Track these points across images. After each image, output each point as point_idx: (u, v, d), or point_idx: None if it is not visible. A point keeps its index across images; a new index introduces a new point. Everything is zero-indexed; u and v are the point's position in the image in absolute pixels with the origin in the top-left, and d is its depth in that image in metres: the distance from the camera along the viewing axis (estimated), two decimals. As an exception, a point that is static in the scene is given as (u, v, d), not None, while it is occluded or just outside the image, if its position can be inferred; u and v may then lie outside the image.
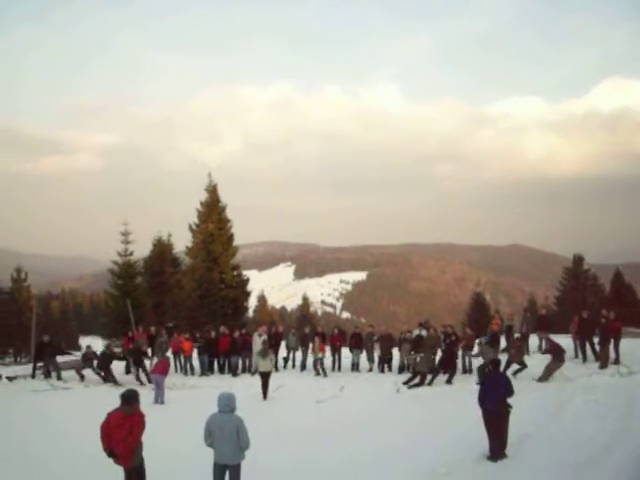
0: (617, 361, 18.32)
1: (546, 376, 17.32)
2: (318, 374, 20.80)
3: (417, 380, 18.06)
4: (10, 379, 20.98)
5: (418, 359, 18.63)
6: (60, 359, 21.86)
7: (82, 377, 20.88)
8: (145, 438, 8.26)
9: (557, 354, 17.52)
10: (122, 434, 7.91)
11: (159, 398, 17.29)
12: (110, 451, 7.99)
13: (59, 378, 20.89)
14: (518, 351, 18.32)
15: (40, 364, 21.61)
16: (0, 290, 53.23)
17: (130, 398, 8.20)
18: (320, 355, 20.97)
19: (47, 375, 21.26)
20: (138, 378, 20.44)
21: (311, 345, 21.49)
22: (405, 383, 18.19)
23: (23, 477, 10.09)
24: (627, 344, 19.79)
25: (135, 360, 21.15)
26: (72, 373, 21.29)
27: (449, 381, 18.07)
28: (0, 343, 49.24)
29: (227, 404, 8.27)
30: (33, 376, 21.24)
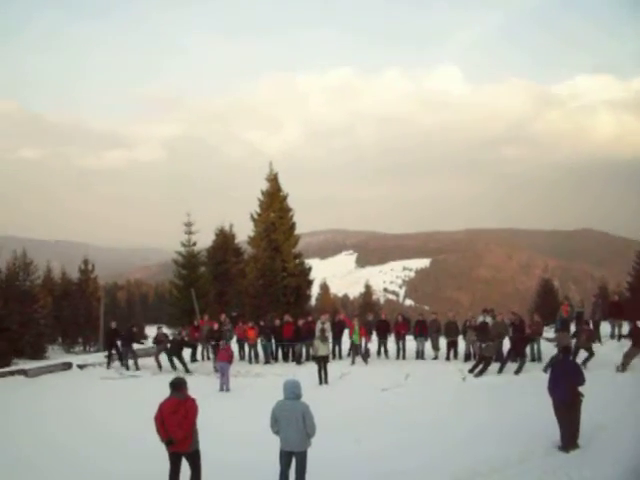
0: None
1: (625, 364, 16.60)
2: (353, 363, 20.63)
3: (481, 366, 17.68)
4: (80, 367, 21.61)
5: (484, 345, 18.21)
6: (135, 346, 22.17)
7: (160, 366, 20.85)
8: (211, 424, 8.34)
9: (638, 339, 16.76)
10: (177, 419, 8.01)
11: (224, 385, 17.51)
12: (168, 439, 8.04)
13: (137, 366, 21.09)
14: (588, 338, 17.62)
15: (113, 352, 21.91)
16: (69, 281, 55.10)
17: (179, 385, 8.32)
18: (357, 341, 20.90)
19: (122, 363, 21.53)
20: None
21: (348, 330, 21.41)
22: (471, 371, 17.83)
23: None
24: None
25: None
26: (150, 361, 21.54)
27: (518, 371, 17.53)
28: (70, 333, 51.01)
29: (293, 391, 8.31)
30: (108, 365, 21.65)
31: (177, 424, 7.99)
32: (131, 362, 21.41)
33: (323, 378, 17.73)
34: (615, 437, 10.79)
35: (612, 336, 20.12)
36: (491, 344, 17.97)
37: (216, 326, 22.41)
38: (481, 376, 17.48)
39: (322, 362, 17.86)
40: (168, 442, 8.09)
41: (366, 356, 21.09)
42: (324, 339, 18.31)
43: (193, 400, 8.34)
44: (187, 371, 20.01)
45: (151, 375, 20.31)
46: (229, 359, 18.11)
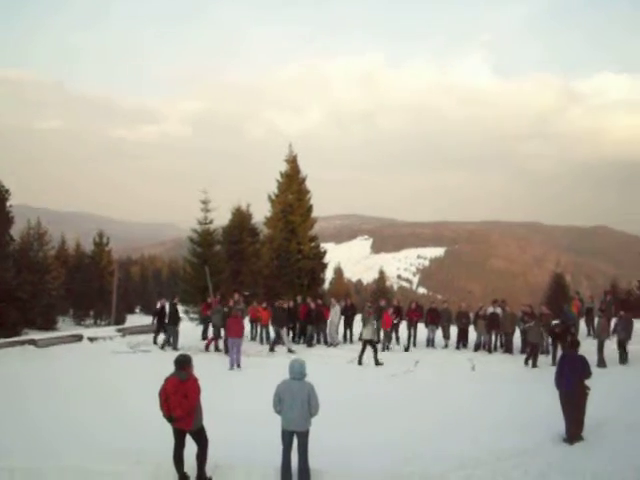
0: None
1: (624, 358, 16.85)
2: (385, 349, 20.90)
3: (532, 356, 17.79)
4: (91, 340, 21.89)
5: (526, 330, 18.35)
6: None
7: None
8: (218, 402, 8.47)
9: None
10: (178, 399, 8.13)
11: (235, 362, 17.68)
12: (170, 416, 8.22)
13: (175, 348, 20.48)
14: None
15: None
16: (83, 254, 55.24)
17: (183, 363, 8.37)
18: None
19: (169, 342, 21.19)
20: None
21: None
22: (526, 362, 17.79)
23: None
24: None
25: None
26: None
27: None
28: (82, 305, 51.32)
29: (300, 371, 8.44)
30: (155, 340, 21.80)
31: (178, 403, 8.13)
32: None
33: (363, 359, 18.30)
34: (619, 431, 10.99)
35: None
36: (533, 327, 18.09)
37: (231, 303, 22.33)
38: (536, 366, 17.50)
39: (365, 344, 18.31)
40: (169, 419, 8.27)
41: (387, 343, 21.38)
42: (367, 323, 18.61)
43: (195, 380, 8.41)
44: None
45: (161, 351, 20.56)
46: (240, 334, 18.20)
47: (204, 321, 23.44)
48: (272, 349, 20.76)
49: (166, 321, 21.24)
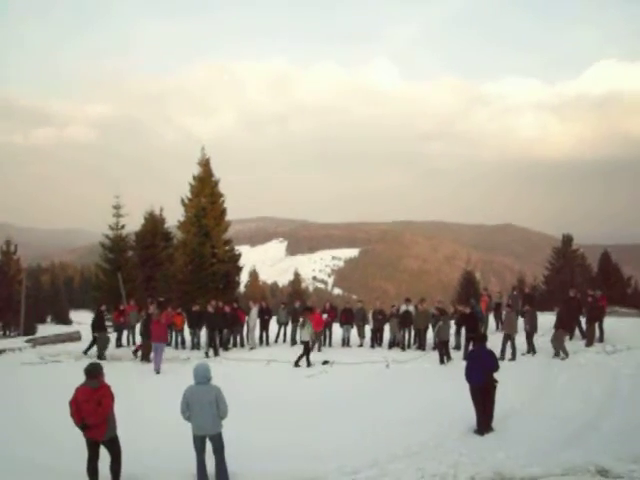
0: (601, 339, 18.59)
1: (562, 349, 17.47)
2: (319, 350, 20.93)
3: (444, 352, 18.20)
4: (-1, 352, 20.92)
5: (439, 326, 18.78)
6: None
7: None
8: (133, 410, 8.33)
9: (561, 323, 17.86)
10: (92, 407, 7.97)
11: (156, 365, 17.69)
12: (83, 424, 8.02)
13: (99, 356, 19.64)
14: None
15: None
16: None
17: (93, 371, 8.24)
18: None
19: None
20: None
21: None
22: (441, 362, 18.06)
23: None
24: (612, 323, 20.07)
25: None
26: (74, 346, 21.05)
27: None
28: (-12, 317, 48.96)
29: (204, 375, 8.38)
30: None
31: (91, 411, 7.96)
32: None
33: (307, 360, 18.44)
34: (526, 420, 11.53)
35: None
36: (442, 326, 18.43)
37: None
38: (449, 362, 17.94)
39: (305, 346, 18.51)
40: (82, 427, 8.06)
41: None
42: (303, 325, 18.84)
43: (107, 388, 8.28)
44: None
45: (74, 360, 19.77)
46: (163, 338, 18.29)
47: (118, 329, 22.98)
48: (208, 354, 20.52)
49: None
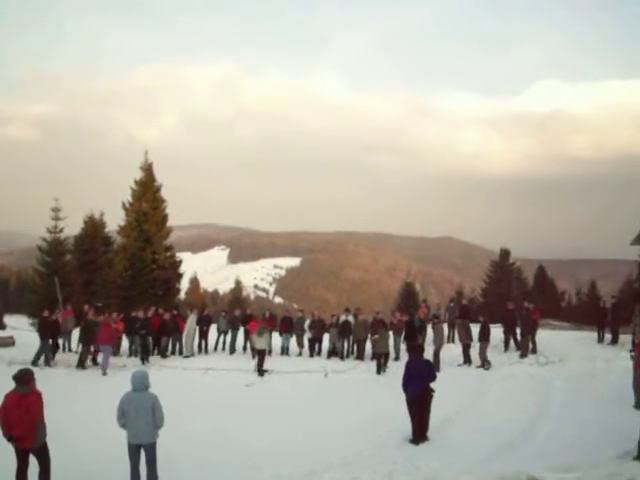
0: (535, 351, 19.11)
1: (485, 360, 17.92)
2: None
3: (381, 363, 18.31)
4: None
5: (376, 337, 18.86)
6: None
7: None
8: (69, 416, 8.14)
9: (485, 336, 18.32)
10: (19, 415, 7.75)
11: (103, 368, 17.72)
12: (9, 436, 7.79)
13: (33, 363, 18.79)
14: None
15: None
16: None
17: (23, 377, 8.01)
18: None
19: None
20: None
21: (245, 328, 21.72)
22: (378, 372, 18.13)
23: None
24: (546, 335, 20.70)
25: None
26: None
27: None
28: None
29: (142, 382, 8.26)
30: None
31: (18, 419, 7.74)
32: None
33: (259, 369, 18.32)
34: (461, 429, 11.74)
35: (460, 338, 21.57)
36: (379, 339, 18.56)
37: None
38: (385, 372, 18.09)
39: (260, 355, 18.47)
40: (8, 439, 7.83)
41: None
42: (261, 333, 18.73)
43: (38, 394, 8.07)
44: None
45: (7, 366, 19.05)
46: (110, 341, 18.34)
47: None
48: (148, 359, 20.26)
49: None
